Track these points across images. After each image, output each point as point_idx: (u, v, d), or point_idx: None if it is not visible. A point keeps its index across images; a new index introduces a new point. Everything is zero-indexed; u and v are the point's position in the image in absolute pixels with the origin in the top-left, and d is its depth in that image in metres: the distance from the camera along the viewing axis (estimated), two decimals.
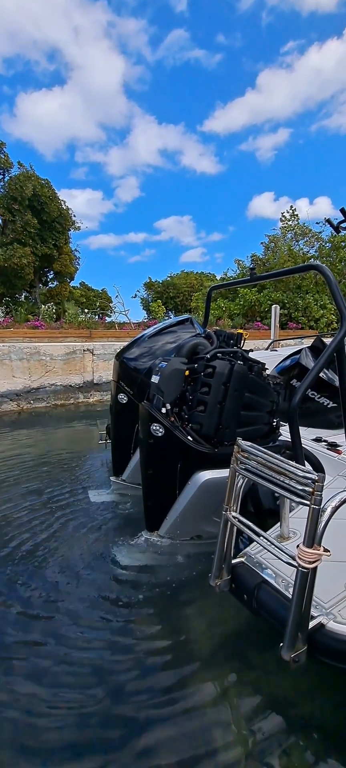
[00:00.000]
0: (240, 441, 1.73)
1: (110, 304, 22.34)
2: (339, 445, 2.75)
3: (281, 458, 1.54)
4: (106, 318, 17.89)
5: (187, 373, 2.52)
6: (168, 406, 2.44)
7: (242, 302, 17.44)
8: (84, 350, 9.80)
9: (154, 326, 3.45)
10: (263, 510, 2.45)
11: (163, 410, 2.44)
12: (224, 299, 18.26)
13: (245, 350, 2.74)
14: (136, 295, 28.69)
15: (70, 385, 9.53)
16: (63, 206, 19.27)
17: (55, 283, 21.50)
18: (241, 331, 2.84)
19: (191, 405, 2.48)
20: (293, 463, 1.49)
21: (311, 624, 1.40)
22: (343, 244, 18.30)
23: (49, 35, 42.53)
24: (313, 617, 1.41)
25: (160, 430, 2.41)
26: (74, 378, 9.60)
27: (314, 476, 1.36)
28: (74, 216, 20.26)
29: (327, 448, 2.77)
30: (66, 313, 14.86)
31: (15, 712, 1.70)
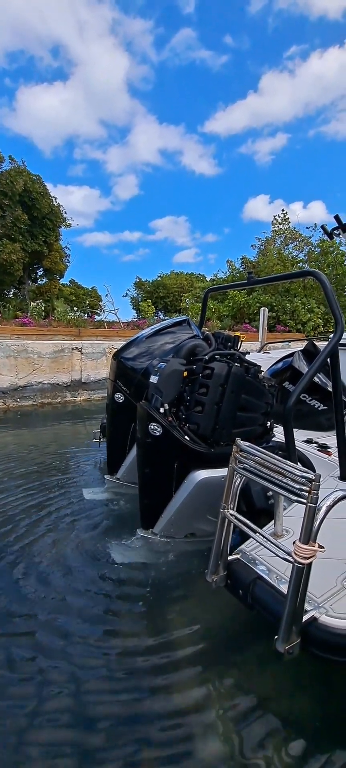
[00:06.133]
0: (239, 441, 1.77)
1: (100, 303, 22.24)
2: (329, 447, 2.83)
3: (279, 458, 1.59)
4: (96, 316, 17.80)
5: (185, 374, 2.56)
6: (166, 406, 2.48)
7: (231, 304, 17.56)
8: (72, 348, 9.73)
9: (152, 327, 3.49)
10: (256, 509, 2.51)
11: (162, 410, 2.48)
12: (214, 300, 18.34)
13: (241, 352, 2.80)
14: (126, 294, 28.63)
15: (58, 384, 9.45)
16: (54, 203, 19.07)
17: (44, 280, 21.25)
18: (238, 333, 2.90)
19: (189, 405, 2.52)
20: (291, 463, 1.55)
21: (305, 617, 1.45)
22: (331, 249, 18.61)
23: (54, 30, 41.67)
24: (306, 611, 1.46)
25: (158, 429, 2.45)
26: (62, 376, 9.52)
27: (311, 476, 1.41)
28: (65, 213, 20.09)
29: (318, 450, 2.85)
30: (55, 311, 14.69)
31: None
